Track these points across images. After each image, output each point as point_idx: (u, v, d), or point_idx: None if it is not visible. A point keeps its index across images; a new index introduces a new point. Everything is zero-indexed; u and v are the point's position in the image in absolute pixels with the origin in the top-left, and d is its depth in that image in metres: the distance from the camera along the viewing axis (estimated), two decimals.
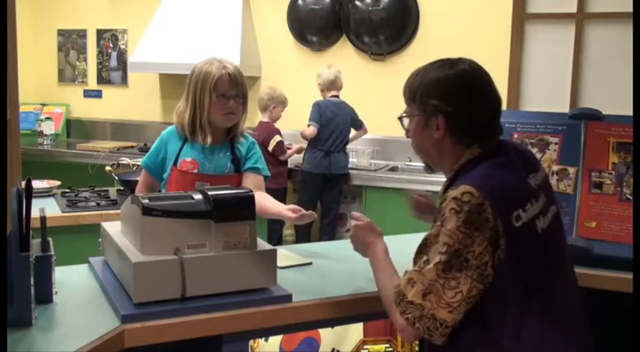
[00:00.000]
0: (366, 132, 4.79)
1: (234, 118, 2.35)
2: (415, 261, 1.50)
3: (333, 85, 4.65)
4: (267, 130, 4.65)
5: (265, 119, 4.73)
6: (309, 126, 4.58)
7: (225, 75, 2.30)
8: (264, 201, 2.25)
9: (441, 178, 1.64)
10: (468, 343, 1.45)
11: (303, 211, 2.16)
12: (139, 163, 2.97)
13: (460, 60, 1.59)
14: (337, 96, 4.67)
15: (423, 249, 1.48)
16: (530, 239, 1.45)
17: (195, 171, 2.35)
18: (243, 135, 2.44)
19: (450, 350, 1.46)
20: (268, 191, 2.48)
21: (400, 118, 1.64)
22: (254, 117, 4.96)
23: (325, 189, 4.63)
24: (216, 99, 2.30)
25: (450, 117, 1.53)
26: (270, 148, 4.57)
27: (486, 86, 1.57)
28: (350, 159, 4.77)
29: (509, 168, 1.52)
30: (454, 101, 1.52)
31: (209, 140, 2.34)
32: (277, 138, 4.62)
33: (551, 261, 1.50)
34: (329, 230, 4.70)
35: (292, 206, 2.21)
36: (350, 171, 4.67)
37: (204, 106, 2.30)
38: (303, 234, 4.63)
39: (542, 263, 1.48)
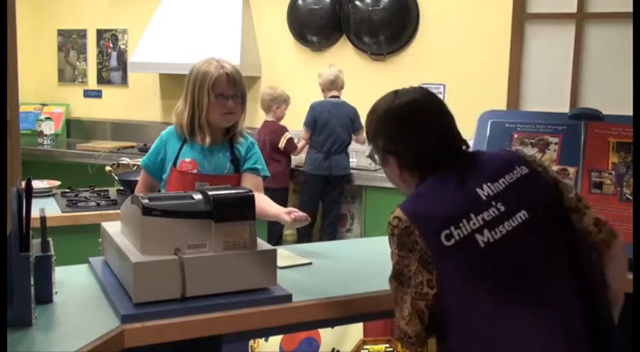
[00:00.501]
0: (364, 141, 4.61)
1: (232, 118, 2.35)
2: None
3: (333, 84, 4.63)
4: (275, 129, 4.66)
5: (270, 118, 4.74)
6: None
7: (223, 75, 2.29)
8: (263, 204, 2.23)
9: None
10: None
11: (297, 213, 2.14)
12: (138, 163, 2.97)
13: (407, 91, 1.60)
14: (337, 96, 4.65)
15: None
16: (471, 254, 1.42)
17: (195, 171, 2.35)
18: (242, 135, 2.44)
19: None
20: (269, 191, 2.47)
21: (371, 156, 1.67)
22: (253, 117, 4.96)
23: (326, 190, 4.62)
24: (214, 99, 2.29)
25: (398, 156, 1.56)
26: (281, 145, 4.57)
27: (427, 117, 1.56)
28: (350, 159, 4.77)
29: (447, 183, 1.50)
30: (394, 140, 1.56)
31: (208, 140, 2.33)
32: (287, 135, 4.63)
33: (519, 270, 1.45)
34: (330, 230, 4.69)
35: (290, 209, 2.20)
36: (350, 171, 4.66)
37: (203, 106, 2.30)
38: (304, 235, 4.62)
39: (493, 274, 1.43)
